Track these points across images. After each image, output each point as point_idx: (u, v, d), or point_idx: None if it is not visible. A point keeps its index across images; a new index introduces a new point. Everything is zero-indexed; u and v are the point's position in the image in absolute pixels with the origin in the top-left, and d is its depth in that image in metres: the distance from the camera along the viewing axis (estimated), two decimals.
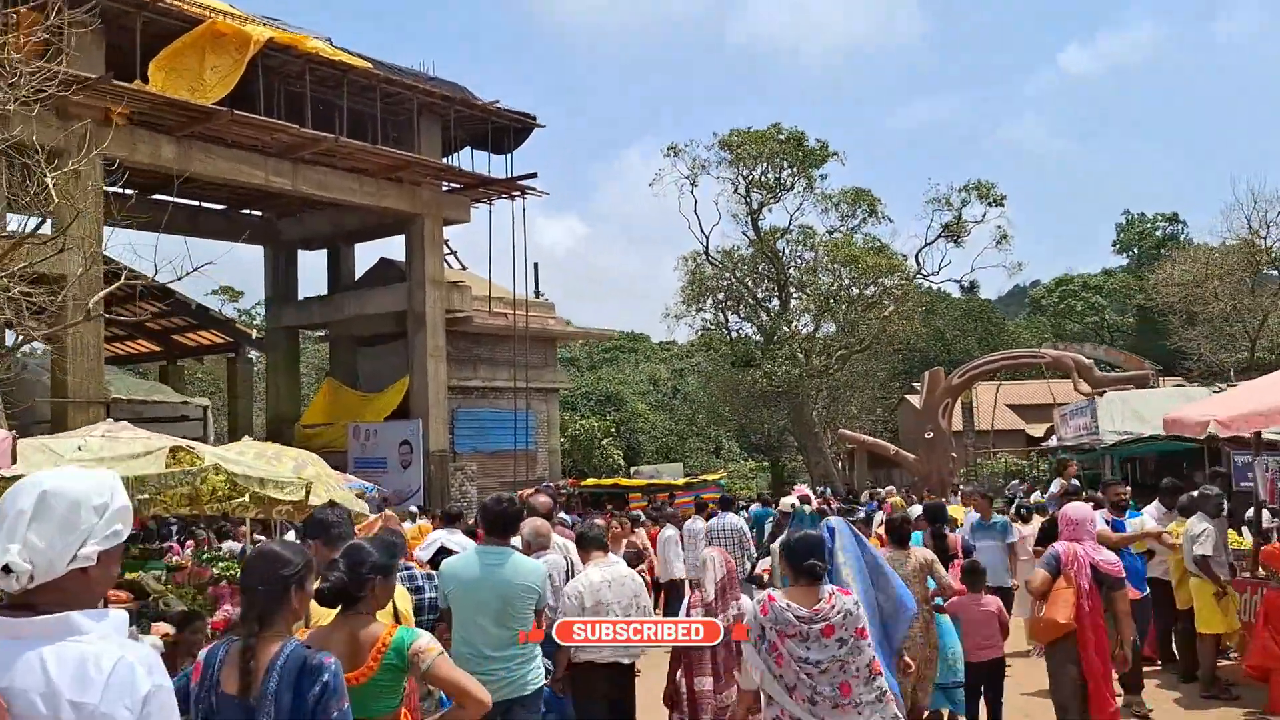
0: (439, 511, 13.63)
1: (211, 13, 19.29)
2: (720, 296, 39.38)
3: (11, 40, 10.12)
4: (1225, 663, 8.56)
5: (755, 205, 38.34)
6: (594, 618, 5.17)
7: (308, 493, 6.55)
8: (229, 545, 12.24)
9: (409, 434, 23.88)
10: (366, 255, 35.28)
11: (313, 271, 40.56)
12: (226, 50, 19.08)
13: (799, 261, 39.62)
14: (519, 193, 25.00)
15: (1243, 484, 12.69)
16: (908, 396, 43.52)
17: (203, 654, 2.77)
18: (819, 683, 3.98)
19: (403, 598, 4.18)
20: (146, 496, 6.51)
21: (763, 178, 38.05)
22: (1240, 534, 9.89)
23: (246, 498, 6.74)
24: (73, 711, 1.78)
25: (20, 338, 11.82)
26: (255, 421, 30.41)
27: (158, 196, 25.13)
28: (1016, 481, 30.26)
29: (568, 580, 5.74)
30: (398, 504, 22.03)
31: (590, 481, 25.56)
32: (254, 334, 29.80)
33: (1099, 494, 10.09)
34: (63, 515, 1.90)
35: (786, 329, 38.25)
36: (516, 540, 6.09)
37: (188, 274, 10.06)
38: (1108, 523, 7.63)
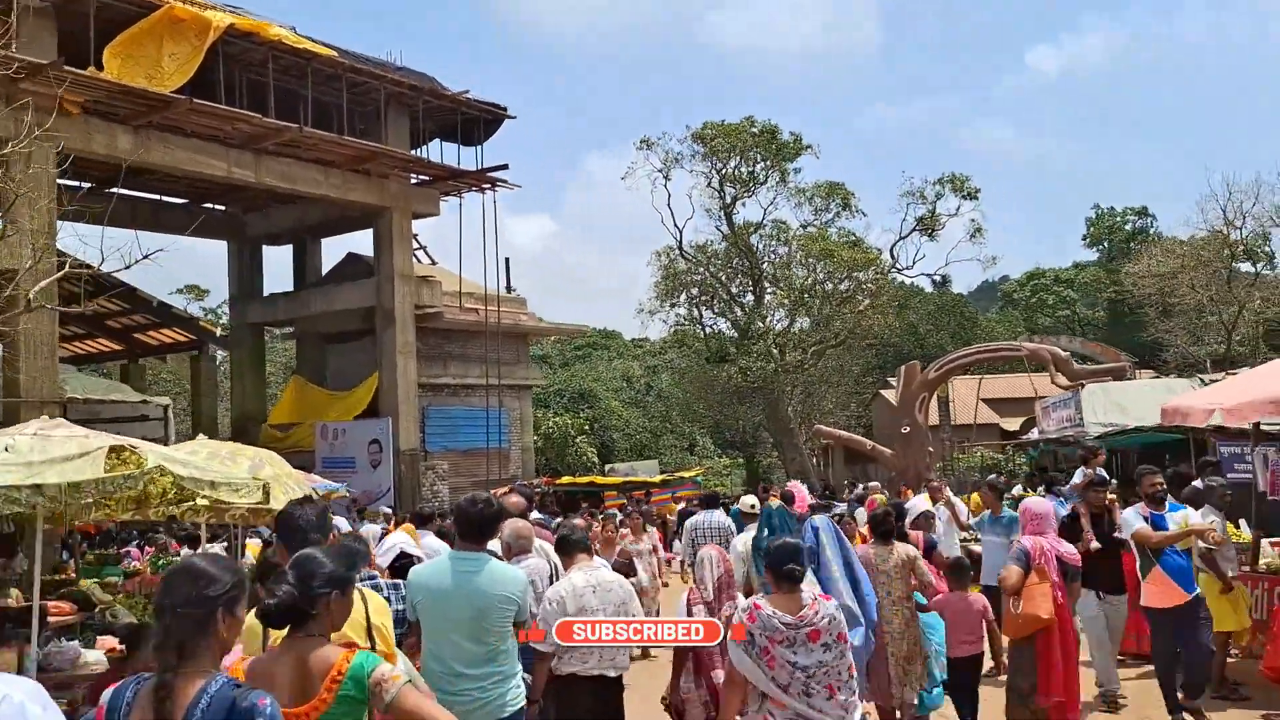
0: (407, 513, 13.03)
1: None
2: (694, 292, 39.02)
3: None
4: (1229, 660, 8.25)
5: (729, 199, 38.01)
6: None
7: (265, 494, 6.05)
8: (188, 551, 11.65)
9: (378, 433, 23.30)
10: (334, 250, 34.63)
11: (278, 267, 39.78)
12: (185, 37, 18.42)
13: (773, 256, 39.36)
14: (489, 185, 24.45)
15: (1230, 475, 12.47)
16: (882, 392, 43.36)
17: (106, 694, 2.29)
18: (809, 685, 4.13)
19: (381, 611, 3.72)
20: (90, 501, 6.00)
21: (736, 171, 37.71)
22: (1237, 527, 9.63)
23: (197, 501, 6.25)
24: None
25: None
26: (220, 421, 29.69)
27: (117, 190, 24.55)
28: (994, 476, 30.16)
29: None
30: (367, 504, 21.50)
31: (565, 480, 25.12)
32: (218, 331, 29.04)
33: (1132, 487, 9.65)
34: None
35: (761, 324, 37.93)
36: (495, 544, 5.64)
37: (135, 263, 9.47)
38: (1146, 518, 6.92)
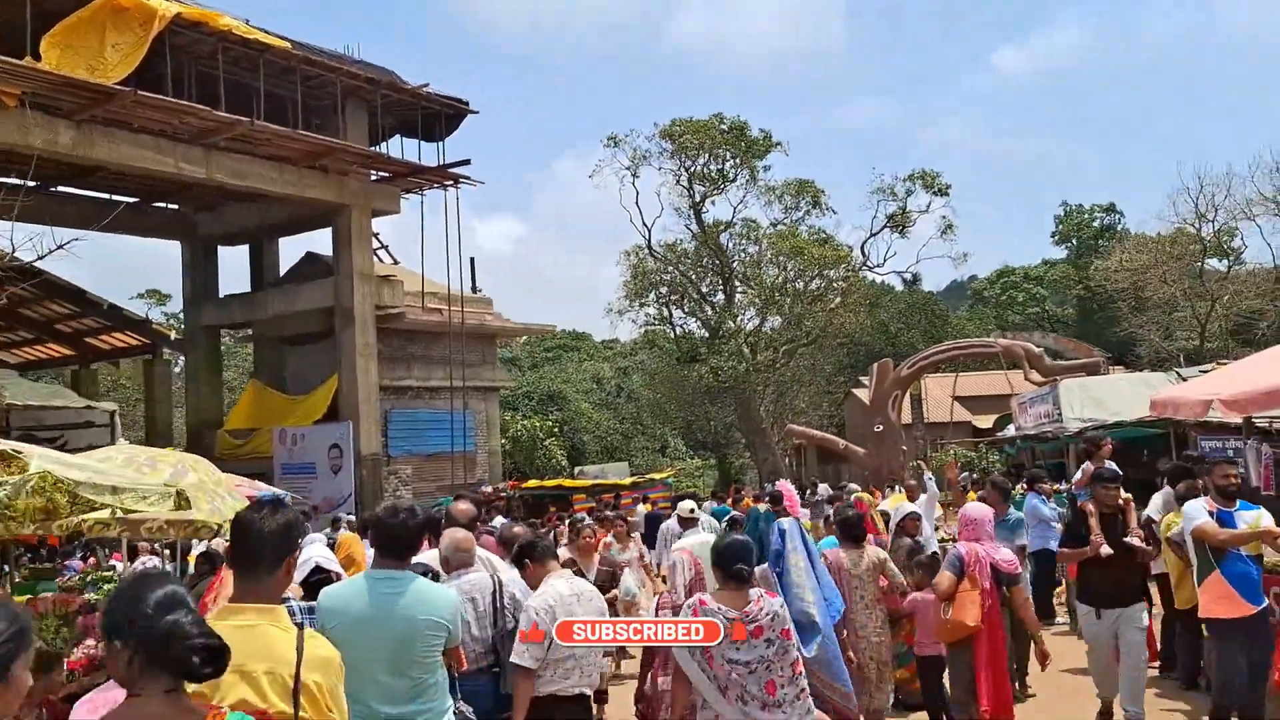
0: (357, 522, 12.28)
1: None
2: (664, 291, 38.54)
3: None
4: None
5: (698, 197, 37.56)
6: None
7: (178, 504, 5.42)
8: (117, 565, 10.93)
9: (338, 437, 22.57)
10: (293, 251, 33.78)
11: (235, 268, 38.91)
12: (129, 26, 17.62)
13: (743, 255, 38.95)
14: (452, 181, 23.77)
15: None
16: (854, 391, 43.07)
17: None
18: (748, 682, 4.11)
19: (325, 668, 2.74)
20: None
21: (705, 169, 37.27)
22: None
23: (107, 514, 5.60)
24: None
25: None
26: (175, 427, 28.81)
27: (62, 189, 23.67)
28: (966, 474, 29.84)
29: (496, 606, 4.68)
30: (328, 511, 20.78)
31: (532, 483, 24.46)
32: (173, 335, 28.14)
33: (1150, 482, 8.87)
34: None
35: (732, 323, 37.51)
36: (433, 555, 5.05)
37: (49, 253, 8.79)
38: (1212, 514, 6.08)
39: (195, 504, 6.12)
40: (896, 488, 17.76)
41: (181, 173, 19.82)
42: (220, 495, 6.75)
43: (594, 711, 4.88)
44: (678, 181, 37.31)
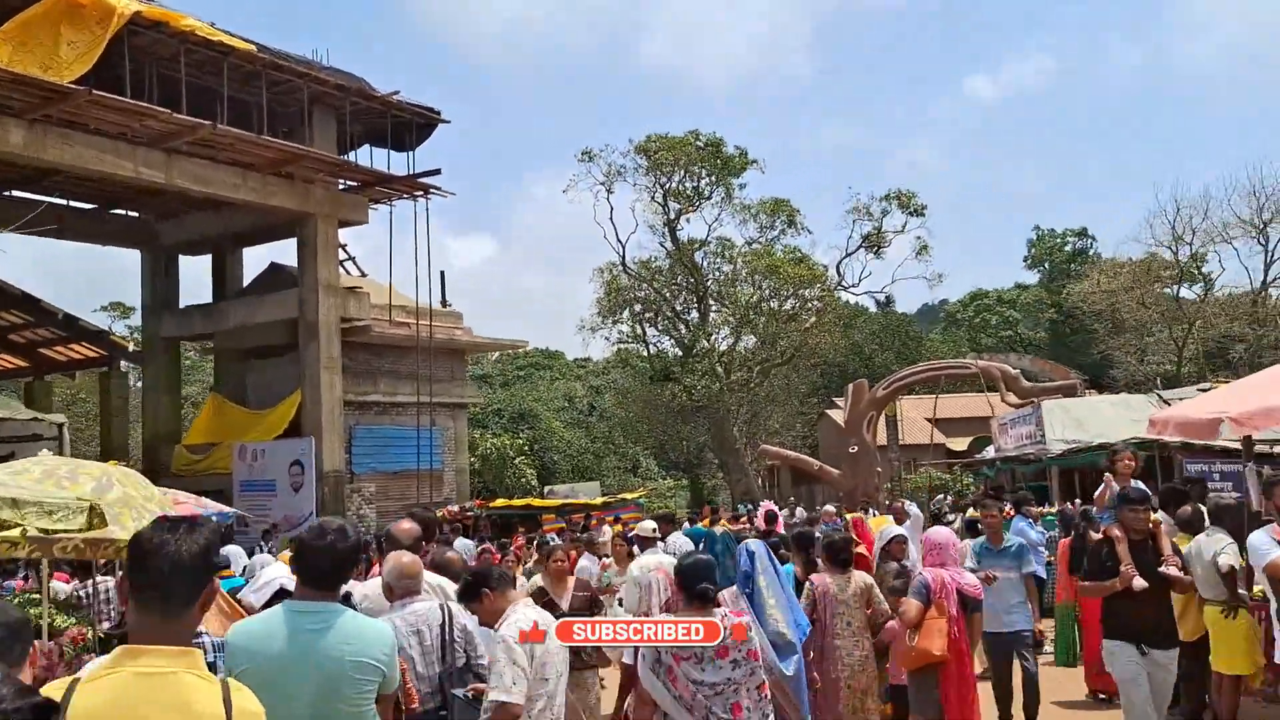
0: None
1: None
2: (637, 308, 38.07)
3: None
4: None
5: (673, 214, 37.19)
6: (540, 681, 3.97)
7: (90, 520, 4.83)
8: (56, 585, 10.22)
9: (300, 453, 21.83)
10: (258, 262, 33.03)
11: (196, 282, 38.11)
12: (85, 24, 17.01)
13: (718, 274, 38.60)
14: (421, 192, 23.21)
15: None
16: (828, 411, 42.73)
17: None
18: (713, 704, 4.03)
19: (243, 693, 2.29)
20: None
21: (680, 186, 36.93)
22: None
23: (17, 532, 5.00)
24: None
25: None
26: (133, 441, 27.93)
27: (15, 193, 22.87)
28: (941, 496, 29.49)
29: (445, 639, 4.12)
30: (288, 530, 20.03)
31: (500, 502, 23.79)
32: (131, 347, 27.29)
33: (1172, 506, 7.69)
34: None
35: (706, 342, 37.10)
36: (376, 585, 4.49)
37: None
38: None
39: (118, 521, 5.53)
40: (871, 510, 17.35)
41: (141, 177, 19.15)
42: (152, 512, 6.13)
43: None
44: (652, 198, 36.99)
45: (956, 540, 6.69)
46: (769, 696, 4.28)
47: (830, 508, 16.04)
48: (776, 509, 10.31)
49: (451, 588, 4.54)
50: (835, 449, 30.07)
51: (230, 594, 6.22)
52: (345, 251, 26.26)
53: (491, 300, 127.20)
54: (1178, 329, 29.49)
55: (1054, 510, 14.01)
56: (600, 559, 10.86)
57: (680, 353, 38.19)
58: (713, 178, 36.92)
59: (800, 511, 21.13)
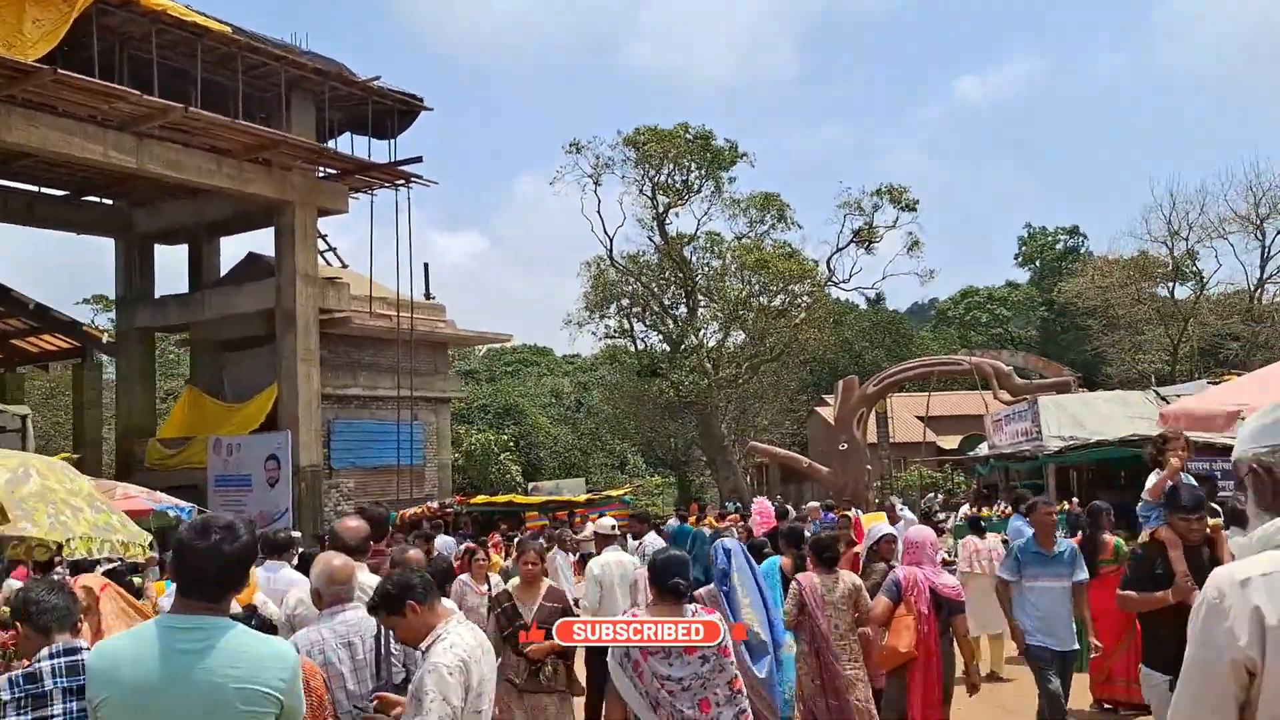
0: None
1: None
2: (625, 303, 37.51)
3: None
4: None
5: (661, 208, 36.64)
6: (473, 714, 3.40)
7: None
8: (9, 584, 9.68)
9: (276, 448, 21.25)
10: (235, 251, 32.42)
11: (172, 272, 37.42)
12: (51, 1, 16.38)
13: (707, 269, 38.08)
14: (403, 180, 22.64)
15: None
16: (818, 409, 42.26)
17: None
18: (680, 700, 3.99)
19: None
20: None
21: (669, 179, 36.39)
22: None
23: None
24: None
25: None
26: (106, 434, 27.30)
27: None
28: (932, 494, 29.05)
29: (382, 650, 3.60)
30: (263, 527, 19.47)
31: (481, 499, 23.24)
32: (105, 338, 26.63)
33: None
34: None
35: (694, 338, 36.60)
36: (302, 595, 3.96)
37: None
38: None
39: (31, 517, 5.00)
40: (854, 510, 16.89)
41: (110, 160, 18.52)
42: (76, 508, 5.60)
43: None
44: (641, 191, 36.41)
45: (935, 540, 6.44)
46: (743, 693, 4.17)
47: (814, 504, 15.56)
48: (766, 506, 9.84)
49: None
50: (825, 446, 29.64)
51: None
52: (326, 242, 25.73)
53: (480, 298, 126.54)
54: (1173, 327, 29.07)
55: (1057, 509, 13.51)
56: (571, 556, 10.39)
57: (668, 348, 37.68)
58: (702, 171, 36.39)
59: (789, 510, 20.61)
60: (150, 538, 7.16)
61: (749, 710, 4.18)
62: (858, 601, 6.22)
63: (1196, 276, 34.67)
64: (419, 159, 22.15)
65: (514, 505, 22.72)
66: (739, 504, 26.65)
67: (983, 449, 20.04)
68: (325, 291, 22.31)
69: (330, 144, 22.73)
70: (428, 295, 27.09)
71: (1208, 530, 5.32)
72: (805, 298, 37.22)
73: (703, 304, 37.77)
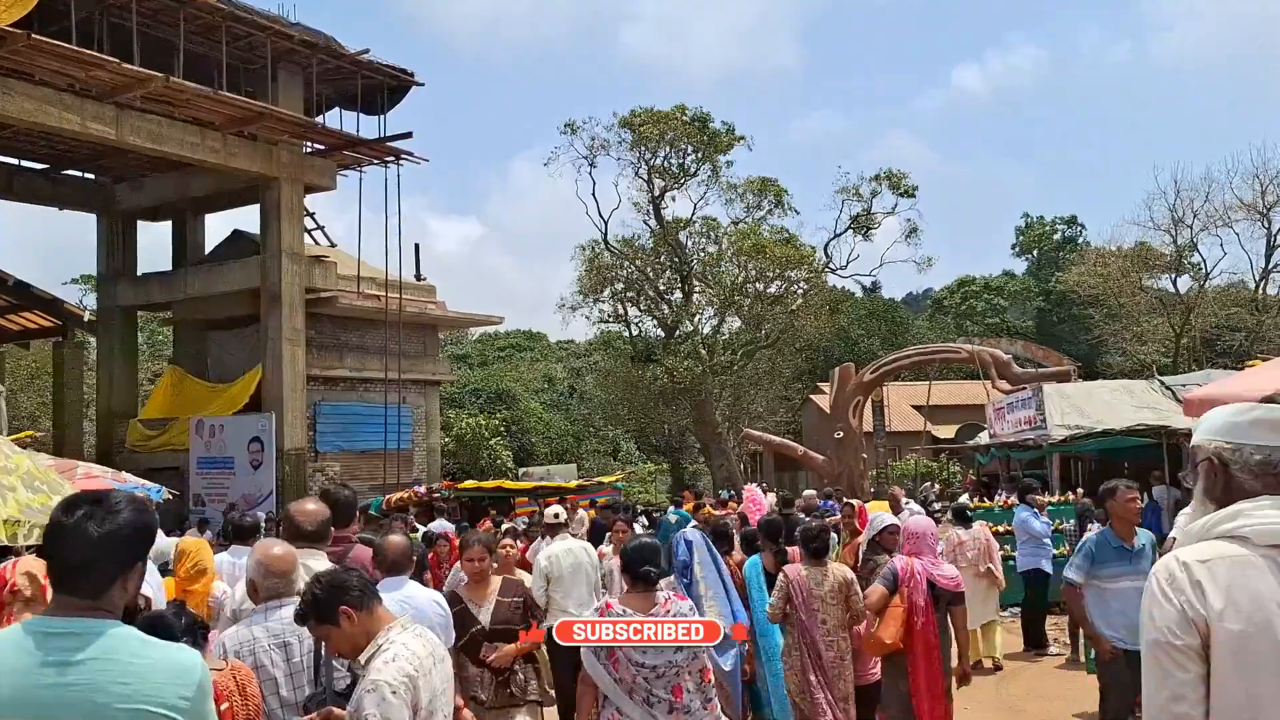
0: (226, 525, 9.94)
1: None
2: (619, 287, 36.99)
3: None
4: None
5: (657, 191, 36.10)
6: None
7: None
8: None
9: (259, 430, 20.77)
10: (220, 228, 31.86)
11: (155, 249, 36.84)
12: None
13: (702, 254, 37.56)
14: (393, 157, 22.09)
15: None
16: (813, 396, 41.85)
17: None
18: (654, 686, 4.03)
19: None
20: None
21: (665, 162, 35.83)
22: None
23: None
24: None
25: None
26: (87, 414, 26.79)
27: None
28: (928, 484, 28.65)
29: (322, 653, 3.14)
30: (246, 510, 19.00)
31: (469, 484, 22.71)
32: (87, 316, 26.09)
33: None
34: None
35: (689, 323, 36.13)
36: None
37: None
38: None
39: None
40: (845, 500, 16.44)
41: (88, 131, 17.98)
42: (7, 487, 5.13)
43: None
44: (636, 174, 35.84)
45: (935, 530, 6.37)
46: (713, 682, 4.23)
47: (811, 492, 15.12)
48: (755, 492, 9.45)
49: None
50: (821, 434, 29.20)
51: None
52: (314, 220, 25.19)
53: (475, 282, 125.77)
54: (1174, 316, 28.65)
55: (1062, 499, 13.08)
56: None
57: (663, 334, 37.20)
58: (699, 154, 35.83)
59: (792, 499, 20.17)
60: None
61: (716, 701, 4.22)
62: (849, 597, 5.99)
63: (1196, 270, 34.33)
64: (409, 134, 21.61)
65: (503, 490, 22.24)
66: (734, 492, 26.23)
67: (982, 438, 19.62)
68: (312, 270, 21.80)
69: (318, 119, 22.19)
70: (418, 276, 26.59)
71: None
72: (802, 284, 36.77)
73: (698, 289, 37.28)
